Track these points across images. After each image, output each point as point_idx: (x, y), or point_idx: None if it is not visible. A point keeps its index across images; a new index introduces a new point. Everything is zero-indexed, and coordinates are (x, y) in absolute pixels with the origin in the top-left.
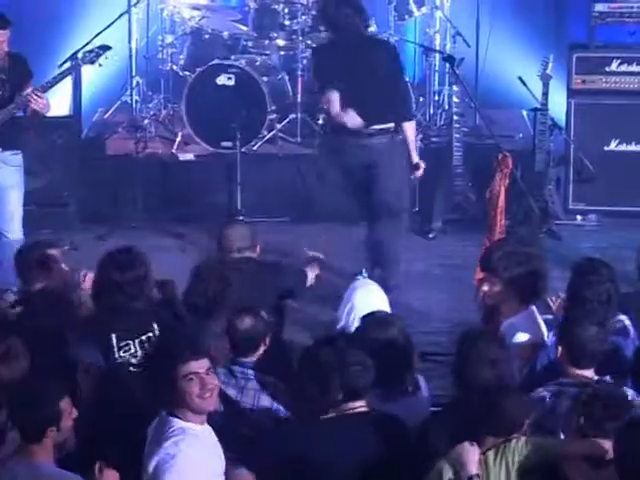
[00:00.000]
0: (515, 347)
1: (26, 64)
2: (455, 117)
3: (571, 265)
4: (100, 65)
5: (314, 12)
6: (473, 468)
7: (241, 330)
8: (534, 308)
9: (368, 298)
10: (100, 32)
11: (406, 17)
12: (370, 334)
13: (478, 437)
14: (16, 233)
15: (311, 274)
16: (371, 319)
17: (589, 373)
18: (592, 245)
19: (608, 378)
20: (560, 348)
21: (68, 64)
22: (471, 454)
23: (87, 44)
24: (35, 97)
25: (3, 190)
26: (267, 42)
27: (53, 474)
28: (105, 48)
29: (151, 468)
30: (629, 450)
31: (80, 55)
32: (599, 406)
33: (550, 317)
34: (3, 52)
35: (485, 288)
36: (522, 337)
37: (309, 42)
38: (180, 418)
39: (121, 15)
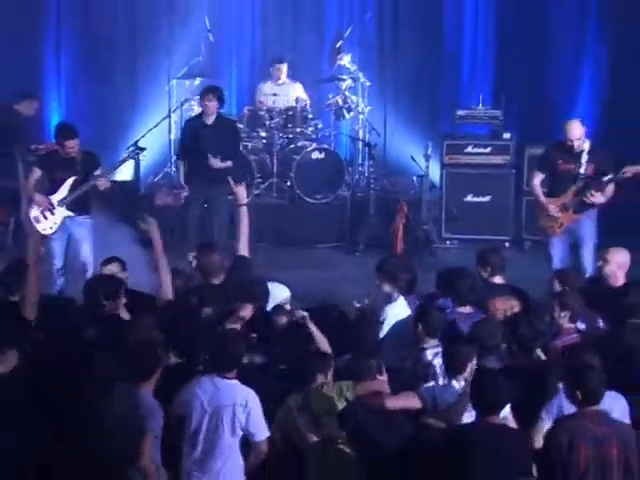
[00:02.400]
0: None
1: (95, 158)
2: (371, 180)
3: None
4: (140, 160)
5: (284, 116)
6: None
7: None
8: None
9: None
10: (150, 129)
11: (341, 118)
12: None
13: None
14: (89, 275)
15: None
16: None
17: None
18: (455, 260)
19: None
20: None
21: (125, 156)
22: None
23: (142, 137)
24: (102, 182)
25: (78, 243)
26: (255, 134)
27: None
28: (142, 149)
29: None
30: (481, 388)
31: (129, 153)
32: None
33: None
34: (78, 152)
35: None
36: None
37: (281, 135)
38: None
39: (164, 118)
